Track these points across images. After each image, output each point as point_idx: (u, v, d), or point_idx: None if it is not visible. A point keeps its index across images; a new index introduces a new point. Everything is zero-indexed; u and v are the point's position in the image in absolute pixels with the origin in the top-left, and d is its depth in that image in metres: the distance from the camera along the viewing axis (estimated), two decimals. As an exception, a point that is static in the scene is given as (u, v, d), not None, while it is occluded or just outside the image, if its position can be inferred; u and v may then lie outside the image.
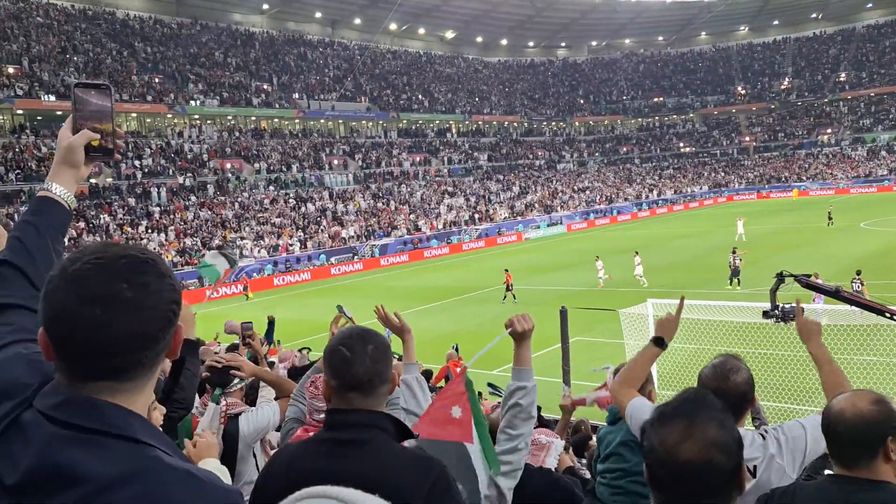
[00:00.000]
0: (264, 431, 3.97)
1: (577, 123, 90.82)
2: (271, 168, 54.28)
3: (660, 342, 3.08)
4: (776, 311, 4.22)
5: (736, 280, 25.71)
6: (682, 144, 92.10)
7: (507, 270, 28.13)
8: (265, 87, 61.70)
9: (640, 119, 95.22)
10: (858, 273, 21.06)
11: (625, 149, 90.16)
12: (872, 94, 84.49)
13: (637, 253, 28.89)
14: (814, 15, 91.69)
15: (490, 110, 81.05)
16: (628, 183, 78.95)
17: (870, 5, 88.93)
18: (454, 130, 76.43)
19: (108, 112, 1.74)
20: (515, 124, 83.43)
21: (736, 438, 1.56)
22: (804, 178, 78.04)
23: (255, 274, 39.22)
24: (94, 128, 1.71)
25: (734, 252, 26.65)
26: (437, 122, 74.63)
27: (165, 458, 1.16)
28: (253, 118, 59.27)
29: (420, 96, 74.96)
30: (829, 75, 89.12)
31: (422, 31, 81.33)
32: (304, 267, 41.97)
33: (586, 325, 18.74)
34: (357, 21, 75.56)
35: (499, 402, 4.23)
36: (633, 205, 71.10)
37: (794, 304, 3.60)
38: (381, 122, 69.11)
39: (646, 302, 14.34)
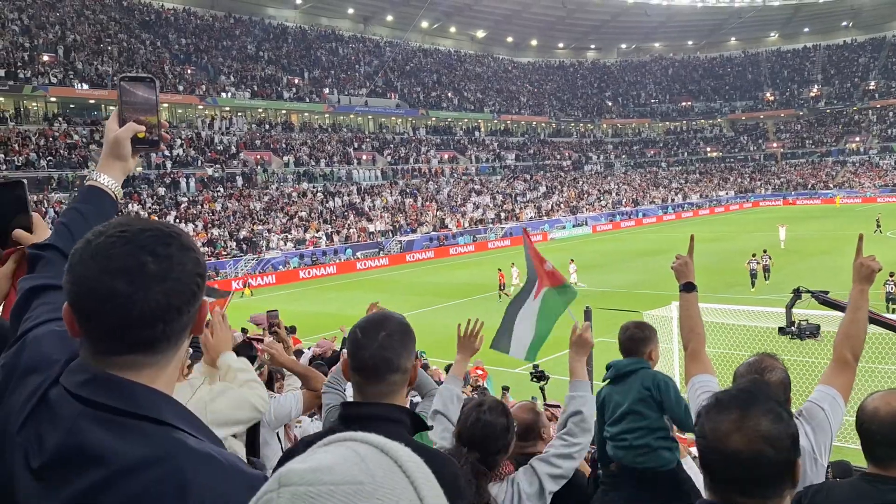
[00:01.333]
0: (287, 419, 3.97)
1: (604, 125, 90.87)
2: (300, 161, 55.14)
3: (690, 287, 3.13)
4: (792, 328, 4.09)
5: (765, 277, 26.89)
6: (709, 149, 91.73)
7: (500, 270, 28.81)
8: (296, 81, 62.60)
9: (667, 123, 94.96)
10: (892, 275, 21.30)
11: (652, 152, 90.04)
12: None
13: (572, 260, 29.48)
14: (844, 23, 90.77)
15: (518, 110, 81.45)
16: (654, 186, 78.88)
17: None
18: (482, 129, 76.91)
19: (153, 104, 1.77)
20: (543, 125, 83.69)
21: (790, 433, 1.53)
22: (831, 185, 77.46)
23: (280, 266, 39.98)
24: (139, 120, 1.75)
25: (754, 256, 27.71)
26: (466, 120, 75.17)
27: (190, 440, 1.15)
28: (283, 111, 60.14)
29: (450, 94, 75.56)
30: (858, 83, 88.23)
31: (453, 29, 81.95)
32: (330, 261, 42.62)
33: (610, 326, 19.12)
34: (389, 18, 76.33)
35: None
36: (658, 208, 71.10)
37: (812, 323, 3.59)
38: (410, 118, 69.82)
39: (669, 305, 14.77)
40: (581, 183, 73.85)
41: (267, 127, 57.87)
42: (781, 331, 4.32)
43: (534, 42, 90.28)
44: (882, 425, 2.06)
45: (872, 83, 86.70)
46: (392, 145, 65.09)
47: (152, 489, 1.07)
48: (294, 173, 53.54)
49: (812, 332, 3.77)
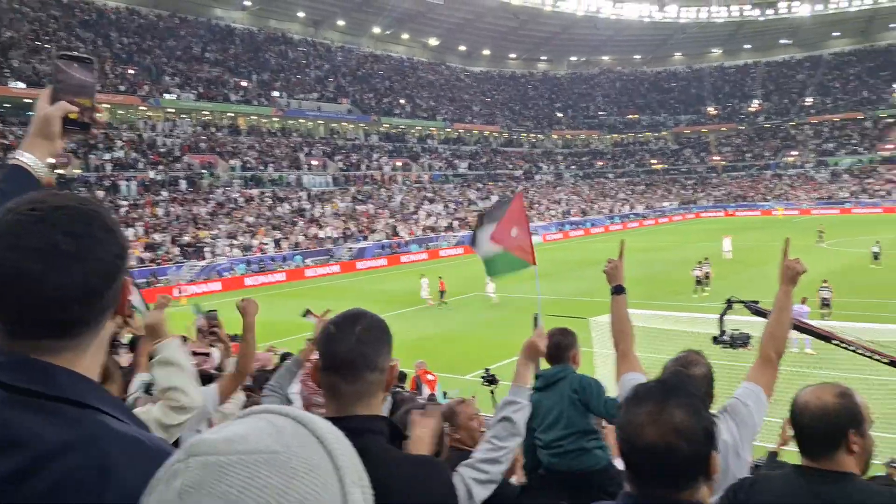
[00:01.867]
0: (206, 414, 3.80)
1: (554, 136, 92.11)
2: (247, 166, 54.21)
3: (620, 289, 3.29)
4: (725, 338, 4.17)
5: (701, 288, 27.53)
6: (654, 161, 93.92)
7: (440, 278, 28.90)
8: (244, 83, 61.61)
9: (615, 135, 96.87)
10: (825, 282, 22.41)
11: (600, 163, 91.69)
12: (836, 120, 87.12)
13: (423, 276, 29.48)
14: (783, 41, 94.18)
15: (471, 119, 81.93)
16: (602, 197, 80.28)
17: (836, 34, 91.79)
18: (435, 137, 77.05)
19: (90, 87, 1.69)
20: (496, 134, 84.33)
21: (704, 427, 1.53)
22: (769, 198, 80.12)
23: (226, 273, 39.16)
24: (72, 101, 1.65)
25: (699, 263, 28.63)
26: (419, 127, 75.21)
27: (113, 423, 1.11)
28: (230, 114, 59.11)
29: (402, 101, 75.47)
30: (796, 100, 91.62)
31: (405, 36, 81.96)
32: (278, 267, 41.95)
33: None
34: (340, 23, 75.86)
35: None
36: (606, 218, 72.37)
37: (744, 332, 3.63)
38: (362, 124, 69.44)
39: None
40: (532, 192, 74.58)
41: (213, 130, 56.76)
42: (715, 340, 4.42)
43: (486, 52, 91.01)
44: (812, 418, 2.09)
45: (809, 99, 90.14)
46: (343, 151, 64.61)
47: (75, 473, 1.03)
48: (241, 178, 52.62)
49: (743, 341, 4.07)
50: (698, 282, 28.08)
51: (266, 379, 6.43)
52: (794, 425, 2.17)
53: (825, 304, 22.01)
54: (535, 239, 60.06)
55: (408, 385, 13.28)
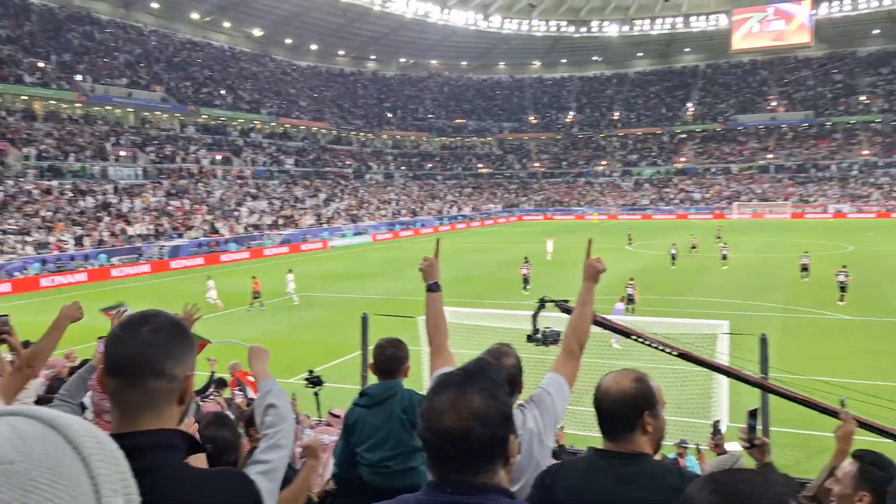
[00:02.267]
0: None
1: (385, 136, 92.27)
2: (44, 155, 48.75)
3: (435, 287, 3.29)
4: (538, 336, 4.24)
5: (525, 286, 28.86)
6: (480, 165, 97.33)
7: (254, 278, 27.88)
8: (41, 64, 55.37)
9: (444, 138, 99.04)
10: (632, 279, 24.53)
11: (429, 165, 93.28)
12: (639, 133, 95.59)
13: (209, 277, 29.34)
14: (595, 58, 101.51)
15: (298, 114, 79.66)
16: (431, 198, 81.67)
17: (640, 54, 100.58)
18: (259, 131, 74.10)
19: None
20: (324, 131, 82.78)
21: (501, 411, 1.57)
22: (583, 203, 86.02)
23: (17, 273, 34.95)
24: None
25: (526, 261, 30.08)
26: (241, 120, 71.87)
27: None
28: (24, 97, 52.93)
29: (223, 92, 71.70)
30: (605, 113, 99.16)
31: (227, 24, 77.91)
32: (78, 267, 38.09)
33: (387, 332, 19.04)
34: (154, 5, 70.56)
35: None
36: (435, 219, 73.69)
37: (555, 329, 3.72)
38: (178, 114, 65.06)
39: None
40: (361, 192, 74.13)
41: (3, 114, 50.47)
42: (529, 338, 4.44)
43: (314, 47, 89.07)
44: (613, 402, 2.22)
45: (616, 114, 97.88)
46: (156, 142, 60.15)
47: None
48: (37, 168, 47.20)
49: (554, 338, 4.12)
50: (525, 280, 29.34)
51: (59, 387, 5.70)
52: (596, 409, 2.27)
53: (630, 299, 23.88)
54: (365, 239, 59.70)
55: (227, 391, 12.29)
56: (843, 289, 25.21)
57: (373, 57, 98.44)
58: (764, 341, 9.76)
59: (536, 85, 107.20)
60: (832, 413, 3.97)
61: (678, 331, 18.09)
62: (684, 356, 5.31)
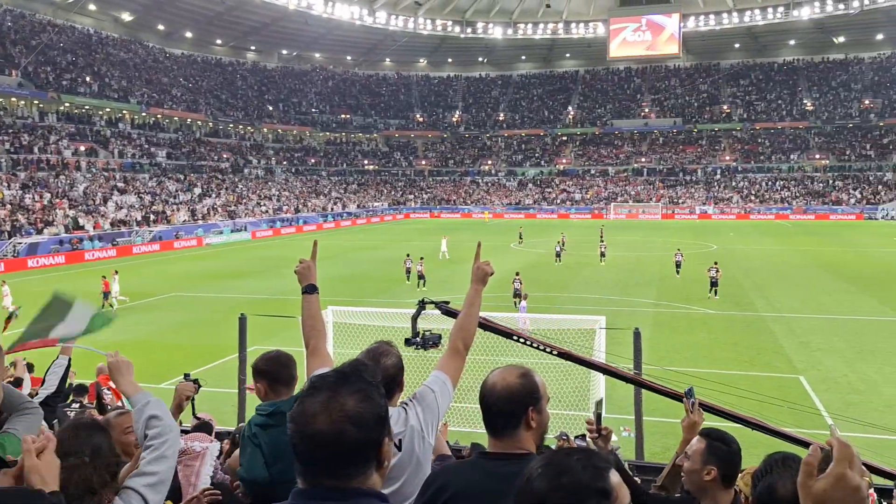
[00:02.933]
0: None
1: (265, 130, 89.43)
2: None
3: (312, 288, 3.33)
4: (417, 339, 4.11)
5: (422, 282, 29.36)
6: (366, 162, 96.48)
7: (104, 277, 26.38)
8: None
9: (328, 133, 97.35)
10: (518, 273, 25.74)
11: (313, 160, 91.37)
12: (523, 135, 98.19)
13: (3, 282, 26.94)
14: (480, 59, 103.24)
15: (171, 104, 75.60)
16: (315, 194, 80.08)
17: (524, 58, 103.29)
18: (128, 121, 69.80)
19: None
20: (200, 123, 79.11)
21: (376, 413, 1.56)
22: (469, 202, 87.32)
23: None
24: None
25: (408, 257, 30.98)
26: (109, 109, 67.38)
27: None
28: None
29: (88, 79, 66.89)
30: (491, 114, 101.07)
31: (92, 7, 72.62)
32: (-81, 264, 34.41)
33: (267, 333, 18.37)
34: (10, -18, 64.89)
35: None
36: (319, 216, 72.28)
37: (434, 332, 3.73)
38: (36, 101, 60.05)
39: (326, 308, 14.53)
40: (241, 187, 71.54)
41: None
42: (407, 342, 4.26)
43: (189, 34, 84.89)
44: (499, 398, 2.25)
45: (501, 115, 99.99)
46: (12, 130, 55.28)
47: None
48: None
49: (434, 341, 4.00)
50: (420, 276, 29.77)
51: None
52: (482, 405, 2.30)
53: (517, 293, 24.74)
54: (244, 236, 57.75)
55: (87, 397, 11.34)
56: (714, 283, 26.98)
57: (253, 47, 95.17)
58: (637, 335, 10.11)
59: (423, 83, 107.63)
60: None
61: (559, 326, 18.62)
62: (564, 356, 5.49)
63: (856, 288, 28.65)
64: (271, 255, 43.35)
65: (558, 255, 37.88)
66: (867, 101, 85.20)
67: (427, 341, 3.90)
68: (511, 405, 2.24)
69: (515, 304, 23.80)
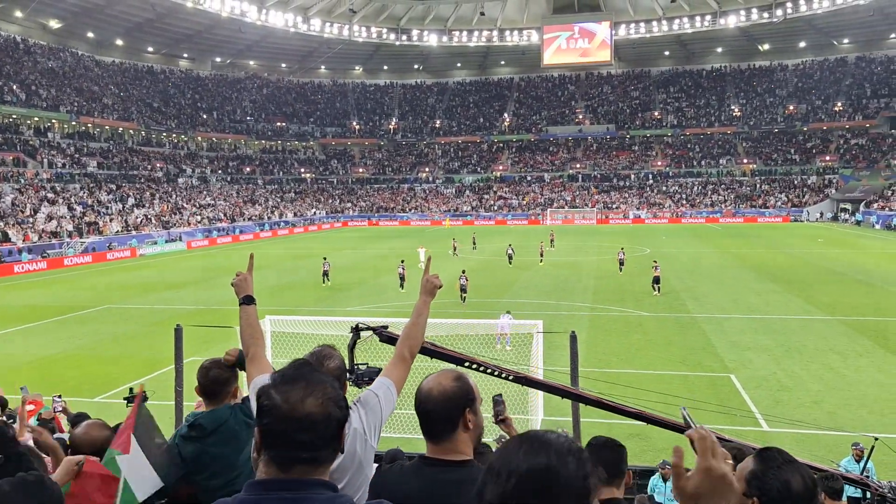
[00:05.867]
0: None
1: (199, 138, 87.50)
2: None
3: (249, 300, 3.33)
4: (351, 376, 3.57)
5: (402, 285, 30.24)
6: (303, 170, 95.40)
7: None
8: None
9: (263, 141, 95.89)
10: (464, 271, 27.23)
11: (248, 169, 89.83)
12: (460, 141, 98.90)
13: None
14: (416, 66, 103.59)
15: (102, 113, 73.18)
16: (251, 203, 78.75)
17: (459, 65, 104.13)
18: (58, 130, 67.25)
19: None
20: (132, 132, 76.84)
21: (343, 396, 1.73)
22: (407, 209, 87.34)
23: None
24: None
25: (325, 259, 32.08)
26: (37, 118, 64.84)
27: None
28: None
29: (15, 87, 64.20)
30: (427, 121, 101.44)
31: (19, 14, 69.67)
32: None
33: (205, 344, 18.01)
34: (-76, -15, 61.75)
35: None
36: (256, 225, 71.10)
37: (372, 367, 3.52)
38: (-44, 110, 57.33)
39: (264, 318, 14.37)
40: (175, 196, 69.77)
41: None
42: (349, 373, 3.85)
43: (119, 42, 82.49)
44: (436, 403, 2.30)
45: (438, 122, 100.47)
46: (-71, 140, 52.64)
47: None
48: None
49: (371, 376, 3.24)
50: (402, 278, 30.68)
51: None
52: (419, 411, 2.34)
53: (463, 289, 26.44)
54: (179, 246, 56.70)
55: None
56: (656, 281, 28.73)
57: (185, 55, 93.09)
58: (574, 339, 10.31)
59: (359, 90, 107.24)
60: (634, 415, 4.37)
61: (500, 331, 18.91)
62: (519, 380, 5.62)
63: (782, 288, 29.92)
64: (207, 266, 42.45)
65: (510, 258, 39.53)
66: (791, 107, 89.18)
67: (361, 377, 3.46)
68: (448, 409, 2.29)
69: (462, 298, 26.27)
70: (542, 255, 40.44)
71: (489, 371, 5.19)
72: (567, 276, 35.08)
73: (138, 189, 66.77)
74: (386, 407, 2.79)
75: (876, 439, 9.78)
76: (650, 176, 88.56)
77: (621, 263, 35.38)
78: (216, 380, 3.68)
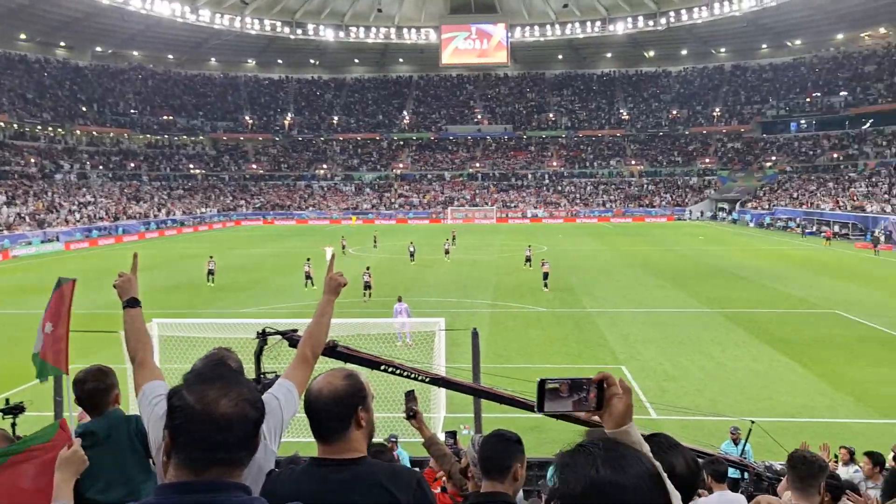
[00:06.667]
0: None
1: (78, 132, 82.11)
2: None
3: (134, 302, 3.23)
4: (259, 386, 3.44)
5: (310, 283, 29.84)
6: (192, 166, 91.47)
7: None
8: None
9: (149, 136, 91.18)
10: (368, 268, 27.57)
11: (132, 164, 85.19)
12: (359, 139, 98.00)
13: None
14: (312, 61, 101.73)
15: (-35, 104, 67.33)
16: (136, 201, 74.79)
17: (357, 61, 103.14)
18: None
19: None
20: (3, 124, 71.12)
21: (259, 398, 1.72)
22: (304, 207, 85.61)
23: None
24: None
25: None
26: None
27: None
28: None
29: None
30: (325, 117, 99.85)
31: None
32: None
33: (86, 350, 16.83)
34: None
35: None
36: (141, 224, 67.56)
37: (276, 376, 3.49)
38: None
39: (151, 321, 13.59)
40: (51, 194, 65.22)
41: None
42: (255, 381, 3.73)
43: (-13, 27, 76.15)
44: (328, 402, 2.27)
45: (336, 118, 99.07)
46: None
47: None
48: None
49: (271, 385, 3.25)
50: (308, 276, 30.25)
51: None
52: (310, 412, 2.30)
53: (367, 286, 26.88)
54: (56, 247, 53.02)
55: None
56: (545, 277, 29.77)
57: (63, 43, 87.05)
58: (475, 335, 10.34)
59: (252, 84, 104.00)
60: (525, 406, 4.66)
61: (403, 329, 18.78)
62: (436, 381, 5.51)
63: (668, 283, 31.43)
64: (88, 268, 39.87)
65: (412, 255, 39.69)
66: (675, 112, 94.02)
67: (266, 387, 3.47)
68: (340, 407, 2.28)
69: (365, 294, 26.55)
70: (447, 253, 41.39)
71: (406, 374, 5.06)
72: (469, 273, 35.40)
73: (10, 186, 61.98)
74: (287, 410, 2.72)
75: (752, 423, 10.38)
76: (546, 176, 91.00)
77: (527, 260, 36.77)
78: (93, 392, 3.49)
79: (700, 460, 6.16)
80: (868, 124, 76.19)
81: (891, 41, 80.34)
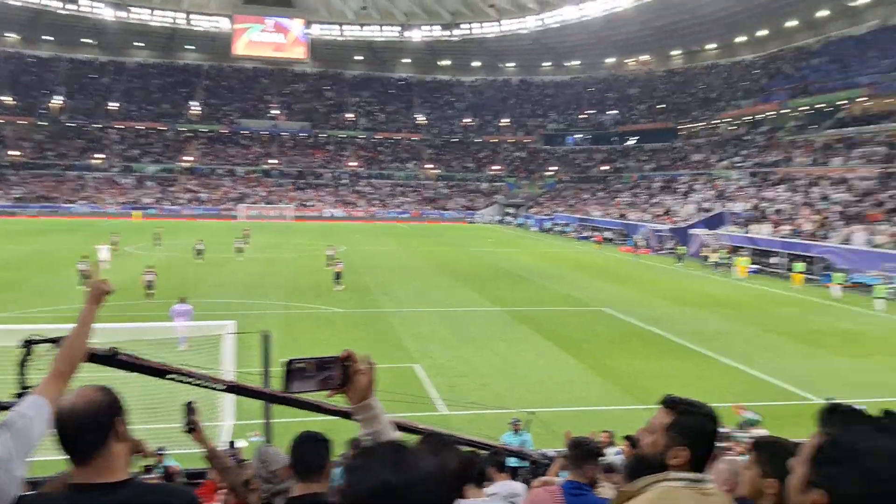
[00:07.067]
0: None
1: None
2: None
3: None
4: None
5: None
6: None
7: None
8: None
9: None
10: (151, 266, 26.18)
11: None
12: (141, 128, 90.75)
13: None
14: (87, 40, 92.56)
15: None
16: None
17: (140, 44, 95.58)
18: None
19: None
20: None
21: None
22: (75, 200, 77.40)
23: None
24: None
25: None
26: None
27: None
28: None
29: None
30: (101, 102, 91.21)
31: None
32: None
33: None
34: None
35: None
36: None
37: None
38: None
39: None
40: None
41: None
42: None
43: None
44: (83, 416, 2.13)
45: (115, 104, 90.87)
46: None
47: None
48: None
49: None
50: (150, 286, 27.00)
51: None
52: (64, 430, 2.15)
53: (150, 286, 25.27)
54: None
55: None
56: (338, 276, 29.63)
57: None
58: (266, 339, 9.94)
59: (14, 61, 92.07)
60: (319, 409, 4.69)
61: (188, 334, 17.55)
62: (233, 389, 5.33)
63: (460, 283, 32.75)
64: None
65: (199, 252, 37.77)
66: (468, 120, 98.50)
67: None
68: (98, 419, 2.15)
69: (147, 294, 24.84)
70: (240, 251, 40.25)
71: (200, 383, 4.63)
72: (262, 273, 34.22)
73: None
74: (38, 429, 2.41)
75: (532, 414, 11.03)
76: (344, 175, 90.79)
77: (330, 259, 36.04)
78: None
79: (483, 452, 6.43)
80: (633, 141, 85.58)
81: (652, 68, 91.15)
